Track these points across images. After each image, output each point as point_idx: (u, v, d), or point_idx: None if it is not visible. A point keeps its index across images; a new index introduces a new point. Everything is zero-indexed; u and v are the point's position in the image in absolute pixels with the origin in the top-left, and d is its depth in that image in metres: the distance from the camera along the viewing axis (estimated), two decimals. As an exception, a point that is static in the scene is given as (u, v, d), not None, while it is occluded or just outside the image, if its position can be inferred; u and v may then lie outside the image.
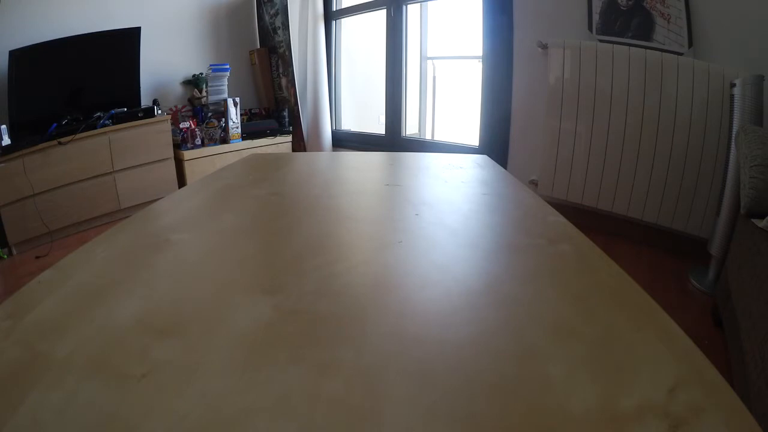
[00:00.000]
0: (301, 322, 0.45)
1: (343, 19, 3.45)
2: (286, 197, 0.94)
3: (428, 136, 3.30)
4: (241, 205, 0.88)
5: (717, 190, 1.71)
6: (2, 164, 2.14)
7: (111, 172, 2.60)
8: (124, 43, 2.72)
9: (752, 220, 1.18)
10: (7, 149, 2.16)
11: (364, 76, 3.67)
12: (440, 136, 3.32)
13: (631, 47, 1.88)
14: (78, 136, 2.39)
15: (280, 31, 3.45)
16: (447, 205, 0.85)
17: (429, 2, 2.94)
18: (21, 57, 2.31)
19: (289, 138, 3.52)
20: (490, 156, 1.33)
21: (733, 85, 1.58)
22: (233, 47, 3.54)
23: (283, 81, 3.56)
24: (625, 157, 1.95)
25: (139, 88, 2.83)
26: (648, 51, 1.84)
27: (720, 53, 1.72)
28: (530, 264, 0.59)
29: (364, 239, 0.71)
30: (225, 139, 3.13)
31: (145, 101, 2.89)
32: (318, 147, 3.46)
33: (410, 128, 3.21)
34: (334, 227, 0.77)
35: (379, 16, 3.09)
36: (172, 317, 0.46)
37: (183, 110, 3.22)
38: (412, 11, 3.00)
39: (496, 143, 2.54)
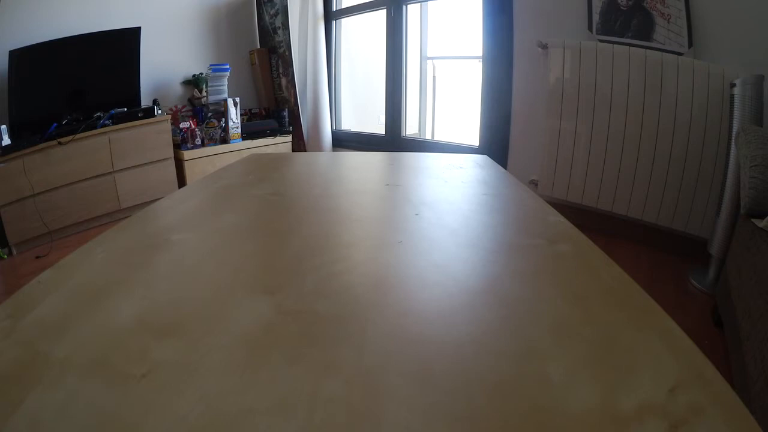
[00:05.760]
0: (301, 322, 0.45)
1: (343, 19, 3.45)
2: (286, 197, 0.94)
3: (428, 136, 3.30)
4: (241, 205, 0.88)
5: (717, 190, 1.71)
6: (2, 164, 2.14)
7: (111, 172, 2.59)
8: (124, 43, 2.72)
9: (752, 220, 1.18)
10: (7, 149, 2.16)
11: (364, 76, 3.67)
12: (440, 136, 3.31)
13: (631, 47, 1.88)
14: (78, 136, 2.39)
15: (280, 31, 3.45)
16: (447, 205, 0.85)
17: (429, 2, 2.94)
18: (21, 57, 2.31)
19: (289, 138, 3.52)
20: (490, 156, 1.33)
21: (733, 85, 1.58)
22: (233, 47, 3.54)
23: (283, 81, 3.56)
24: (625, 157, 1.95)
25: (139, 88, 2.83)
26: (648, 51, 1.84)
27: (720, 53, 1.72)
28: (530, 264, 0.59)
29: (364, 239, 0.71)
30: (225, 139, 3.12)
31: (145, 101, 2.89)
32: (318, 147, 3.46)
33: (410, 128, 3.21)
34: (334, 227, 0.77)
35: (379, 16, 3.09)
36: (172, 317, 0.46)
37: (183, 110, 3.22)
38: (412, 11, 3.00)
39: (496, 143, 2.54)
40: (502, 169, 1.15)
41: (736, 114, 1.56)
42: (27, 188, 2.22)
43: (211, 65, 3.17)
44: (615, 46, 1.92)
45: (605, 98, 1.96)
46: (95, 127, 2.48)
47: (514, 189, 0.96)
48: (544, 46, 2.13)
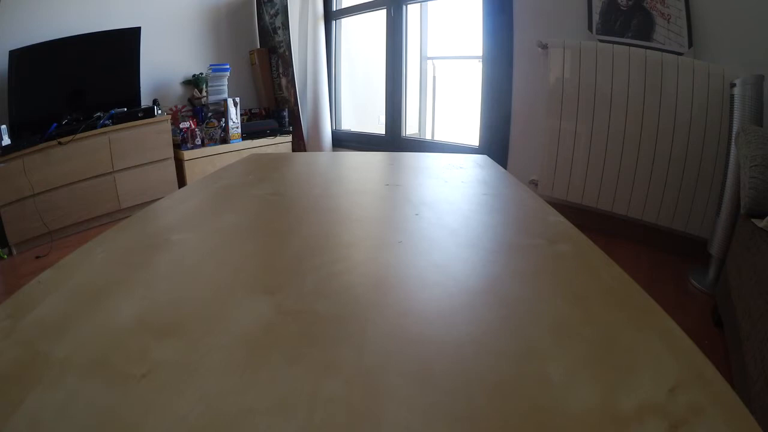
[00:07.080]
0: (301, 322, 0.45)
1: (343, 19, 3.45)
2: (286, 197, 0.94)
3: (428, 136, 3.30)
4: (241, 205, 0.88)
5: (717, 190, 1.71)
6: (2, 164, 2.14)
7: (111, 172, 2.60)
8: (124, 43, 2.72)
9: (752, 220, 1.18)
10: (7, 149, 2.16)
11: (364, 76, 3.67)
12: (440, 136, 3.31)
13: (631, 47, 1.88)
14: (78, 136, 2.39)
15: (280, 31, 3.45)
16: (447, 205, 0.85)
17: (429, 2, 2.94)
18: (21, 57, 2.31)
19: (289, 138, 3.52)
20: (490, 156, 1.33)
21: (733, 85, 1.58)
22: (233, 47, 3.54)
23: (283, 81, 3.56)
24: (625, 157, 1.95)
25: (139, 88, 2.83)
26: (648, 51, 1.84)
27: (720, 53, 1.72)
28: (530, 264, 0.59)
29: (364, 239, 0.71)
30: (225, 139, 3.12)
31: (145, 101, 2.89)
32: (318, 147, 3.46)
33: (410, 128, 3.21)
34: (334, 227, 0.77)
35: (379, 16, 3.09)
36: (172, 317, 0.46)
37: (183, 110, 3.22)
38: (412, 11, 3.00)
39: (496, 143, 2.54)
40: (502, 169, 1.15)
41: (736, 114, 1.56)
42: (27, 188, 2.22)
43: (211, 65, 3.17)
44: (615, 46, 1.92)
45: (605, 98, 1.96)
46: (95, 127, 2.48)
47: (514, 189, 0.96)
48: (544, 46, 2.13)
